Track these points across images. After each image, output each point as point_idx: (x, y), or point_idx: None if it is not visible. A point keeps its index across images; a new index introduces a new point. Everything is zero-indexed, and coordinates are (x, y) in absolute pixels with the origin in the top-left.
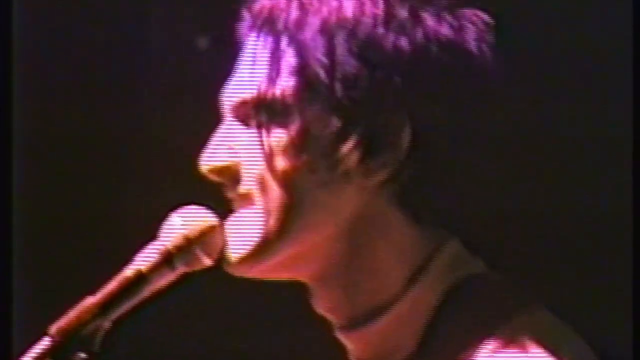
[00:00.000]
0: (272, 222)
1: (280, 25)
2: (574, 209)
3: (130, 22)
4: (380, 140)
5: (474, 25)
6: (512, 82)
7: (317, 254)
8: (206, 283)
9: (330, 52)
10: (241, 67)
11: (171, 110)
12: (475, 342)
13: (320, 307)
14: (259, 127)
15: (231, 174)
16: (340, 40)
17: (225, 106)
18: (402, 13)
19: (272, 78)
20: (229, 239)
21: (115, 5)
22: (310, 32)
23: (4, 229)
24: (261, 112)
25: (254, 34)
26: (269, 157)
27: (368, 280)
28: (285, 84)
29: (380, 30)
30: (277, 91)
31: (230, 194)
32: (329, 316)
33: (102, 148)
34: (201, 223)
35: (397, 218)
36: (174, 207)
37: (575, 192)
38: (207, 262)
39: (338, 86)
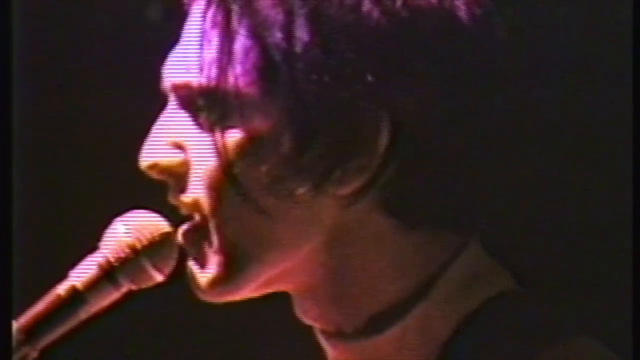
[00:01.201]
0: (234, 243)
1: None
2: (573, 209)
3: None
4: (353, 140)
5: None
6: (513, 60)
7: (300, 268)
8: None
9: (289, 31)
10: (186, 39)
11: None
12: None
13: (305, 316)
14: (210, 125)
15: (176, 175)
16: (300, 15)
17: (166, 85)
18: None
19: (223, 63)
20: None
21: (116, 5)
22: (265, 4)
23: (4, 229)
24: (211, 107)
25: (201, 2)
26: (223, 163)
27: (362, 293)
28: (240, 71)
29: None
30: (230, 81)
31: (173, 200)
32: (314, 324)
33: (102, 147)
34: (150, 230)
35: (389, 225)
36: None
37: (574, 191)
38: (158, 277)
39: (300, 75)
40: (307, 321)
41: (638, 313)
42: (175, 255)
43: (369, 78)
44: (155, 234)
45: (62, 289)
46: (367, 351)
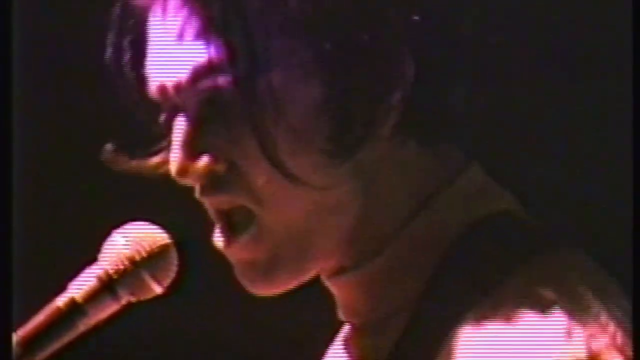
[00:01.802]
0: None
1: None
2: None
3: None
4: (383, 80)
5: None
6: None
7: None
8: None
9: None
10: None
11: None
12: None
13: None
14: (247, 116)
15: (212, 176)
16: None
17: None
18: None
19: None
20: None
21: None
22: None
23: (4, 230)
24: (242, 100)
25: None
26: (269, 151)
27: (375, 213)
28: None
29: None
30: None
31: (207, 200)
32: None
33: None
34: (149, 242)
35: (409, 146)
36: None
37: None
38: (157, 289)
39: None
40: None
41: (638, 313)
42: (174, 267)
43: (392, 14)
44: (154, 246)
45: (61, 301)
46: (371, 277)
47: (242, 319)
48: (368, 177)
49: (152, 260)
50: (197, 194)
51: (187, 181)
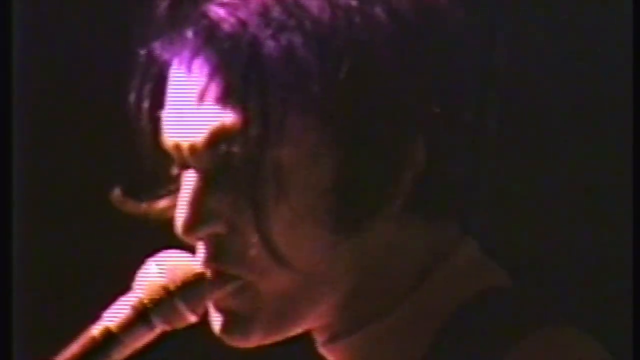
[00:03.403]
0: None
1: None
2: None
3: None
4: (395, 162)
5: None
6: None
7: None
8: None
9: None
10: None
11: None
12: None
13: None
14: (250, 183)
15: (215, 239)
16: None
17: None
18: None
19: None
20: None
21: (118, 5)
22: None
23: (4, 230)
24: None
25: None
26: (265, 226)
27: (370, 286)
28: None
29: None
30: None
31: (207, 266)
32: (318, 330)
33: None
34: (183, 271)
35: (408, 220)
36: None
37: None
38: (192, 318)
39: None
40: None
41: (638, 313)
42: (208, 295)
43: (409, 100)
44: (189, 275)
45: (96, 330)
46: (365, 345)
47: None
48: (364, 255)
49: (186, 289)
50: (199, 256)
51: (191, 240)
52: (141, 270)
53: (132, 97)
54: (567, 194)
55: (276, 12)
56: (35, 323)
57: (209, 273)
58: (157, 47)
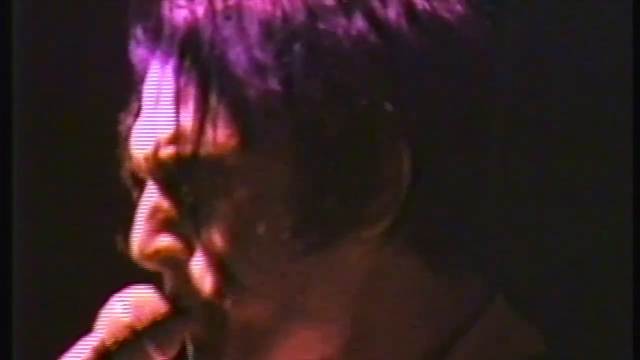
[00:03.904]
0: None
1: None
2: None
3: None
4: (375, 176)
5: None
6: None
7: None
8: None
9: (287, 72)
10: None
11: None
12: None
13: None
14: (210, 194)
15: (176, 262)
16: (296, 53)
17: (139, 160)
18: None
19: (213, 122)
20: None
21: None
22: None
23: (4, 230)
24: (211, 175)
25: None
26: (231, 236)
27: (384, 349)
28: (236, 128)
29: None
30: (226, 141)
31: (171, 290)
32: None
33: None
34: (152, 308)
35: (416, 266)
36: None
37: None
38: None
39: (309, 117)
40: None
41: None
42: (179, 334)
43: (387, 107)
44: (158, 312)
45: None
46: None
47: None
48: (355, 293)
49: (155, 329)
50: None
51: (150, 265)
52: (104, 309)
53: (121, 116)
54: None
55: (229, 1)
56: (35, 327)
57: (175, 307)
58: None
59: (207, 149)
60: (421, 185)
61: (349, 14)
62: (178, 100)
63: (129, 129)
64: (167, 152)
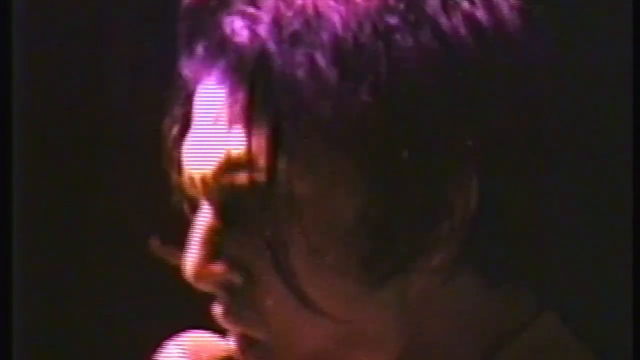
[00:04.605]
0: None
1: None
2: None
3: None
4: (441, 206)
5: None
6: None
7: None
8: None
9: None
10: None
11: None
12: None
13: None
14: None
15: (231, 288)
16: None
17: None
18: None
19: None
20: None
21: (118, 5)
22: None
23: (3, 230)
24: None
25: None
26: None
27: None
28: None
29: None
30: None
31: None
32: None
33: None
34: (210, 353)
35: (470, 286)
36: None
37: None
38: None
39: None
40: None
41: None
42: None
43: (467, 142)
44: (217, 357)
45: None
46: None
47: None
48: (413, 313)
49: None
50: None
51: (203, 287)
52: (161, 354)
53: (165, 122)
54: None
55: (294, 24)
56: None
57: (235, 350)
58: (184, 65)
59: (273, 175)
60: (485, 210)
61: (416, 32)
62: (244, 122)
63: (176, 140)
64: (230, 176)
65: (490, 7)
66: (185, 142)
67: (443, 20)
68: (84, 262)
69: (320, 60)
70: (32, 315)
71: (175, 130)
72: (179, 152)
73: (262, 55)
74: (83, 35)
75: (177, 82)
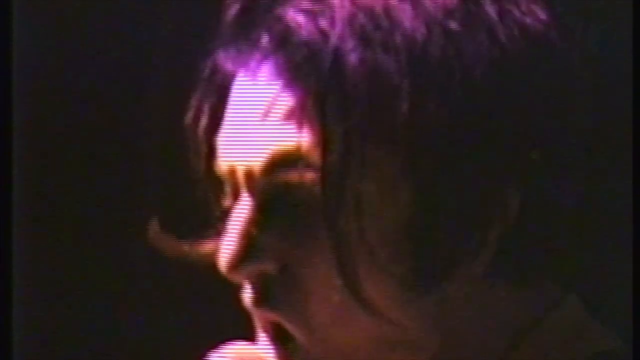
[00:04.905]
0: None
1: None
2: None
3: (134, 22)
4: (482, 214)
5: None
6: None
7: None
8: None
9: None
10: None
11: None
12: None
13: None
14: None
15: (263, 284)
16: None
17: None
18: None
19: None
20: None
21: (119, 5)
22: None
23: (4, 230)
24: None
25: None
26: (346, 267)
27: (459, 351)
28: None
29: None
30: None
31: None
32: None
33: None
34: None
35: (500, 286)
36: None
37: None
38: None
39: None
40: None
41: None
42: None
43: (533, 155)
44: None
45: None
46: None
47: None
48: (449, 315)
49: None
50: (245, 300)
51: (236, 277)
52: None
53: (190, 114)
54: None
55: (363, 22)
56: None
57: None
58: (221, 56)
59: (324, 172)
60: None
61: (474, 37)
62: (298, 118)
63: (208, 133)
64: (281, 172)
65: (534, 14)
66: (222, 134)
67: (499, 27)
68: (84, 262)
69: (394, 62)
70: (32, 315)
71: (203, 122)
72: (212, 144)
73: (336, 53)
74: (83, 35)
75: (201, 76)
